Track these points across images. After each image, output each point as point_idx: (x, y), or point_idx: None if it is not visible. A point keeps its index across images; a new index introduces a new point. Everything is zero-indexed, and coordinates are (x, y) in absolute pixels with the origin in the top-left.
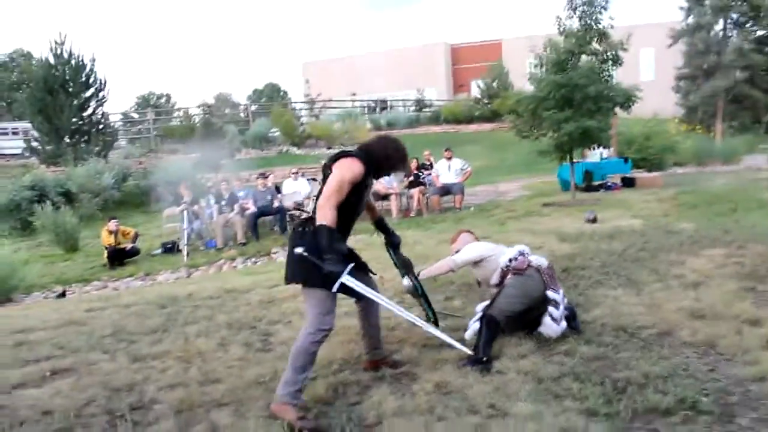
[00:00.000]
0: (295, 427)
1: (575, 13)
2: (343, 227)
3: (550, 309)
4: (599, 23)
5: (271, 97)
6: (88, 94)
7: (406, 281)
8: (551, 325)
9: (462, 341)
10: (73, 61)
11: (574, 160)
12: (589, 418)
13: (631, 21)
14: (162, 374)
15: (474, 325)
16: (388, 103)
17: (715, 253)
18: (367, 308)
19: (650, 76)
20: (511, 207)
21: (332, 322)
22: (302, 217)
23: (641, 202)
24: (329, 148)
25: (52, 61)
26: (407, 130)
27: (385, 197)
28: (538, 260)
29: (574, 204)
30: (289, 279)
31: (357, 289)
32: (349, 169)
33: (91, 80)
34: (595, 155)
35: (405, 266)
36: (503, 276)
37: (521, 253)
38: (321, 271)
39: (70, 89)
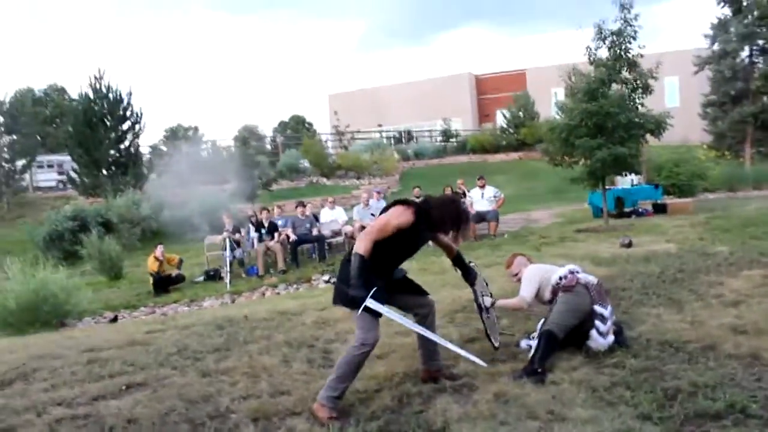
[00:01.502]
0: (324, 423)
1: (604, 43)
2: (387, 264)
3: (597, 323)
4: (629, 52)
5: (296, 129)
6: (125, 126)
7: (487, 300)
8: (598, 339)
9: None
10: (111, 95)
11: (608, 187)
12: (643, 422)
13: (654, 49)
14: (233, 387)
15: (532, 342)
16: (413, 133)
17: (753, 274)
18: (422, 321)
19: (675, 103)
20: (544, 233)
21: (374, 338)
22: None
23: (674, 227)
24: (359, 178)
25: (91, 95)
26: (435, 160)
27: None
28: (587, 278)
29: (608, 230)
30: (334, 301)
31: (381, 311)
32: (397, 216)
33: (128, 113)
34: (625, 182)
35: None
36: (554, 293)
37: (571, 272)
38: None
39: (109, 122)
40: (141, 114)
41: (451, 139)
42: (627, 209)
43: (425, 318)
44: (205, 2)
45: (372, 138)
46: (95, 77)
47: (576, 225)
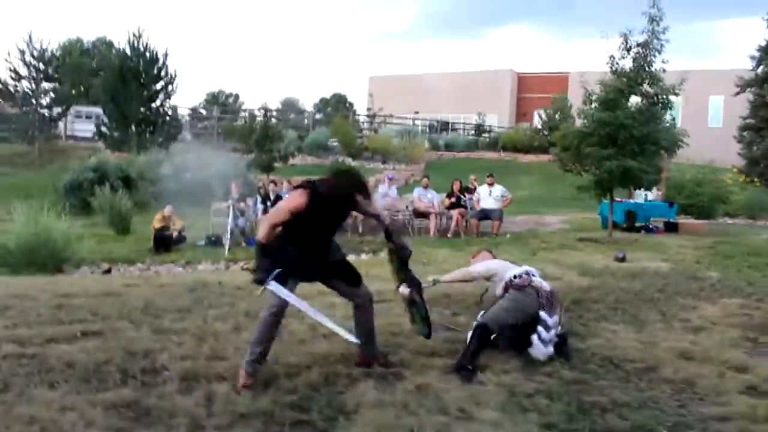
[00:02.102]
0: (238, 391)
1: (629, 54)
2: (307, 245)
3: (540, 329)
4: (651, 66)
5: (336, 107)
6: (158, 86)
7: (403, 289)
8: (538, 345)
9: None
10: (147, 54)
11: (618, 199)
12: (547, 431)
13: (703, 66)
14: (177, 347)
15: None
16: (450, 125)
17: (731, 302)
18: (358, 310)
19: (718, 123)
20: (547, 238)
21: (282, 302)
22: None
23: (677, 247)
24: (384, 162)
25: (128, 52)
26: (464, 153)
27: (425, 215)
28: (541, 283)
29: (609, 242)
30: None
31: (282, 296)
32: (291, 200)
33: (162, 73)
34: (639, 196)
35: (410, 280)
36: (505, 289)
37: (527, 273)
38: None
39: (142, 80)
40: (175, 75)
41: (483, 134)
42: (638, 224)
43: (361, 308)
44: None
45: (405, 124)
46: (134, 34)
47: (582, 233)
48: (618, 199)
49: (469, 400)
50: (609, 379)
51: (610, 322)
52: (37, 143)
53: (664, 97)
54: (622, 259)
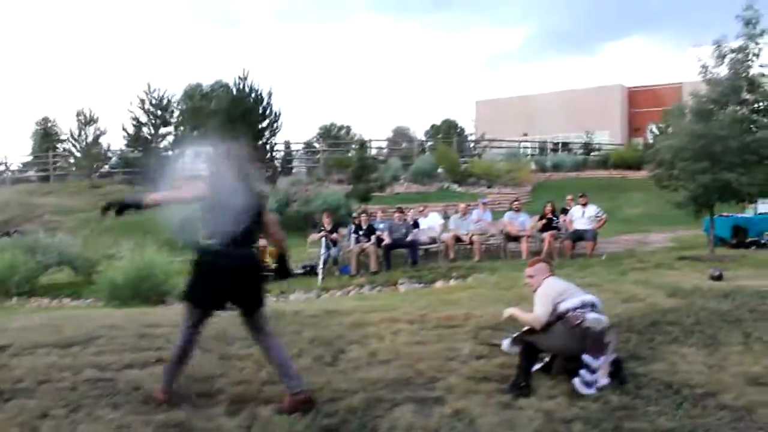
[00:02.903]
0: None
1: (723, 61)
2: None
3: (582, 372)
4: (749, 71)
5: (447, 132)
6: (263, 124)
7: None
8: (581, 387)
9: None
10: (253, 95)
11: (725, 214)
12: None
13: None
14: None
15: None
16: (561, 144)
17: None
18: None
19: None
20: (645, 258)
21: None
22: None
23: None
24: (489, 186)
25: (234, 94)
26: (573, 173)
27: (517, 239)
28: (595, 320)
29: (711, 259)
30: None
31: None
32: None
33: (267, 112)
34: (749, 210)
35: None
36: (556, 317)
37: (583, 305)
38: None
39: (248, 120)
40: (279, 114)
41: (592, 153)
42: (749, 239)
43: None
44: (370, 7)
45: (512, 147)
46: (240, 77)
47: (686, 251)
48: (725, 214)
49: (504, 425)
50: (661, 405)
51: (682, 344)
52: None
53: (765, 103)
54: (718, 278)
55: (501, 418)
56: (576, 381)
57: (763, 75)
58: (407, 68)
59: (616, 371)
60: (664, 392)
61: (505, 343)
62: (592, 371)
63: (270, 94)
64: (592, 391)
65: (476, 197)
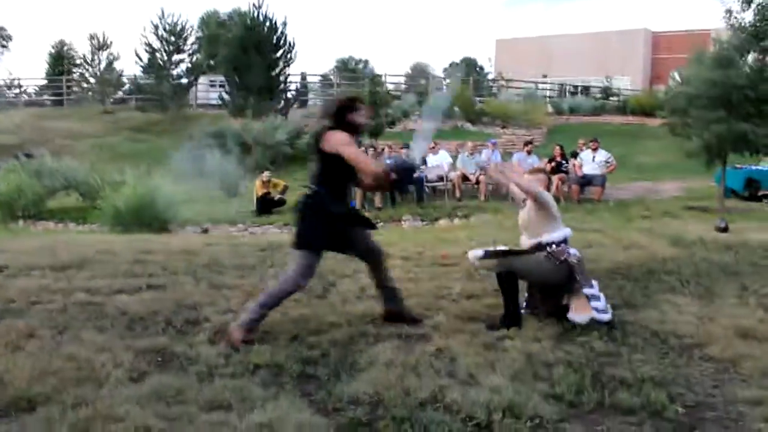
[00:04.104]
0: (235, 345)
1: (750, 6)
2: (345, 190)
3: (593, 304)
4: None
5: (467, 71)
6: (277, 54)
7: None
8: (601, 315)
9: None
10: (267, 24)
11: (739, 166)
12: (551, 402)
13: None
14: (225, 301)
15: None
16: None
17: None
18: (372, 264)
19: None
20: (653, 206)
21: (306, 284)
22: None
23: None
24: (504, 127)
25: (248, 22)
26: (589, 117)
27: None
28: (576, 256)
29: (719, 211)
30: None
31: None
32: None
33: (281, 42)
34: (765, 162)
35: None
36: (536, 248)
37: (566, 239)
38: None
39: (262, 50)
40: (293, 44)
41: (611, 98)
42: (762, 192)
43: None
44: None
45: (528, 88)
46: (254, 5)
47: (695, 201)
48: (738, 165)
49: (483, 365)
50: (646, 354)
51: (677, 294)
52: (170, 111)
53: None
54: (724, 230)
55: (483, 358)
56: (594, 314)
57: None
58: (428, 3)
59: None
60: (651, 341)
61: (474, 253)
62: (597, 298)
63: (285, 24)
64: (608, 315)
65: (490, 137)
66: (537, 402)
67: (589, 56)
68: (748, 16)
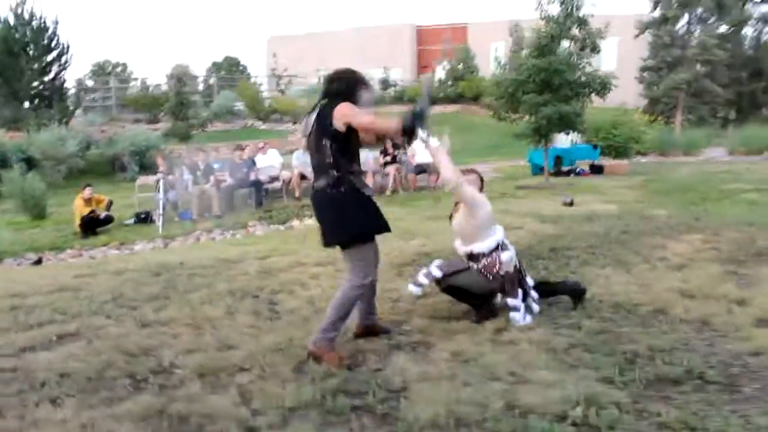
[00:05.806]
0: (343, 363)
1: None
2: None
3: (512, 315)
4: (579, 9)
5: (230, 70)
6: (50, 58)
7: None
8: (520, 320)
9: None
10: (34, 23)
11: (548, 145)
12: (607, 386)
13: (603, 11)
14: (175, 340)
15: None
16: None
17: (692, 239)
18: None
19: (612, 66)
20: (488, 188)
21: (375, 273)
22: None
23: (612, 188)
24: (294, 123)
25: (12, 21)
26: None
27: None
28: (509, 260)
29: (548, 187)
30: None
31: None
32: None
33: (54, 44)
34: (565, 141)
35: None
36: (471, 256)
37: (497, 246)
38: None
39: (32, 52)
40: (68, 45)
41: (389, 89)
42: (564, 168)
43: None
44: None
45: (311, 83)
46: (17, 2)
47: (516, 181)
48: (549, 145)
49: (513, 362)
50: (629, 325)
51: (596, 266)
52: None
53: (592, 40)
54: (570, 204)
55: (504, 355)
56: (512, 317)
57: (592, 15)
58: (187, 3)
59: (579, 293)
60: (621, 313)
61: (413, 288)
62: (518, 309)
63: (56, 23)
64: (529, 320)
65: (285, 134)
66: (602, 389)
67: (360, 51)
68: (554, 9)
